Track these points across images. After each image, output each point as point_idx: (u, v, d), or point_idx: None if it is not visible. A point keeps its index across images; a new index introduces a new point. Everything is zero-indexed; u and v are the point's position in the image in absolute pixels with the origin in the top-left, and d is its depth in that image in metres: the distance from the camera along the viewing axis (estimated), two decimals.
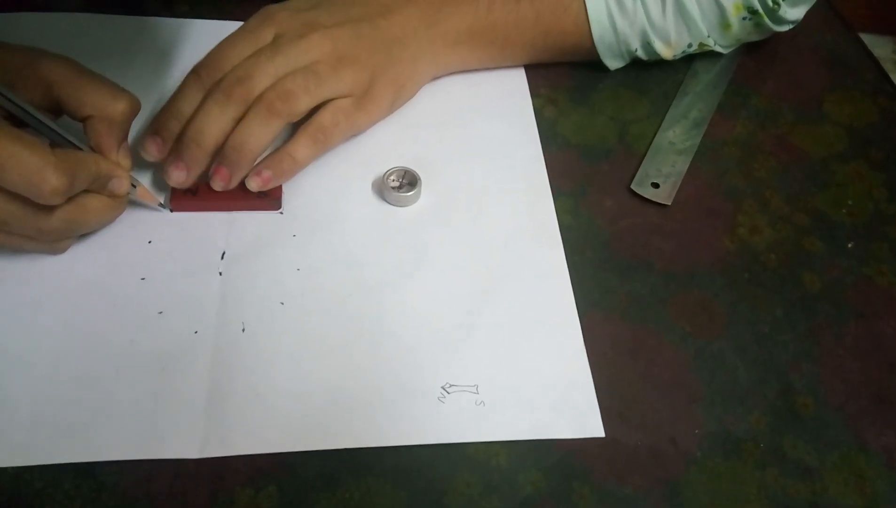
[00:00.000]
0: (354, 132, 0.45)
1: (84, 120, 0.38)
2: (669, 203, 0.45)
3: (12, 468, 0.33)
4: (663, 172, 0.47)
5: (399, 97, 0.47)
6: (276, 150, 0.42)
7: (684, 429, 0.37)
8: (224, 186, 0.41)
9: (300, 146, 0.42)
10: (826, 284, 0.43)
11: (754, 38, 0.53)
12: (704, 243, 0.44)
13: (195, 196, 0.41)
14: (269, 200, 0.42)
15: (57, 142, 0.36)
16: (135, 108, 0.39)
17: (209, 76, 0.41)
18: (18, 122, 0.35)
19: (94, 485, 0.33)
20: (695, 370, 0.39)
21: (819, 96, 0.54)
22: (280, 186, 0.42)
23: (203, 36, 0.50)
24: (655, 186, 0.46)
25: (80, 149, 0.37)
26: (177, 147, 0.41)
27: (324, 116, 0.43)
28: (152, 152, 0.41)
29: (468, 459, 0.35)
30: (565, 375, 0.38)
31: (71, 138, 0.37)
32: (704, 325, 0.41)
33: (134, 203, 0.41)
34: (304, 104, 0.41)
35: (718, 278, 0.43)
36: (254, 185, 0.41)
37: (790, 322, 0.41)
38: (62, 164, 0.34)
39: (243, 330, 0.37)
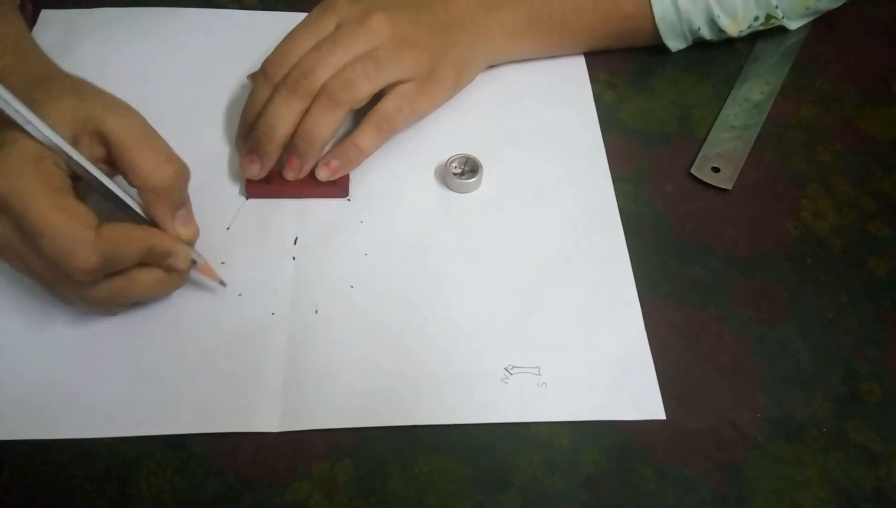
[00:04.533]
0: (418, 116, 0.46)
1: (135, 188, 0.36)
2: (730, 187, 0.45)
3: (110, 438, 0.35)
4: (724, 155, 0.47)
5: (461, 79, 0.47)
6: (343, 139, 0.44)
7: (746, 413, 0.37)
8: (295, 175, 0.43)
9: (365, 136, 0.43)
10: (892, 268, 0.42)
11: (823, 5, 0.52)
12: (767, 228, 0.44)
13: (268, 184, 0.43)
14: (337, 188, 0.44)
15: (117, 205, 0.36)
16: (181, 176, 0.36)
17: (275, 73, 0.42)
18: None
19: (183, 455, 0.35)
20: (756, 355, 0.39)
21: (888, 76, 0.52)
22: (347, 175, 0.44)
23: (273, 26, 0.52)
24: (716, 170, 0.46)
25: (139, 214, 0.36)
26: (250, 142, 0.43)
27: (387, 104, 0.43)
28: (252, 170, 0.43)
29: (531, 438, 0.36)
30: (626, 358, 0.38)
31: (131, 203, 0.36)
32: (766, 310, 0.41)
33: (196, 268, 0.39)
34: (365, 91, 0.42)
35: (781, 263, 0.43)
36: (323, 175, 0.43)
37: (855, 308, 0.41)
38: (101, 242, 0.32)
39: (316, 312, 0.39)
